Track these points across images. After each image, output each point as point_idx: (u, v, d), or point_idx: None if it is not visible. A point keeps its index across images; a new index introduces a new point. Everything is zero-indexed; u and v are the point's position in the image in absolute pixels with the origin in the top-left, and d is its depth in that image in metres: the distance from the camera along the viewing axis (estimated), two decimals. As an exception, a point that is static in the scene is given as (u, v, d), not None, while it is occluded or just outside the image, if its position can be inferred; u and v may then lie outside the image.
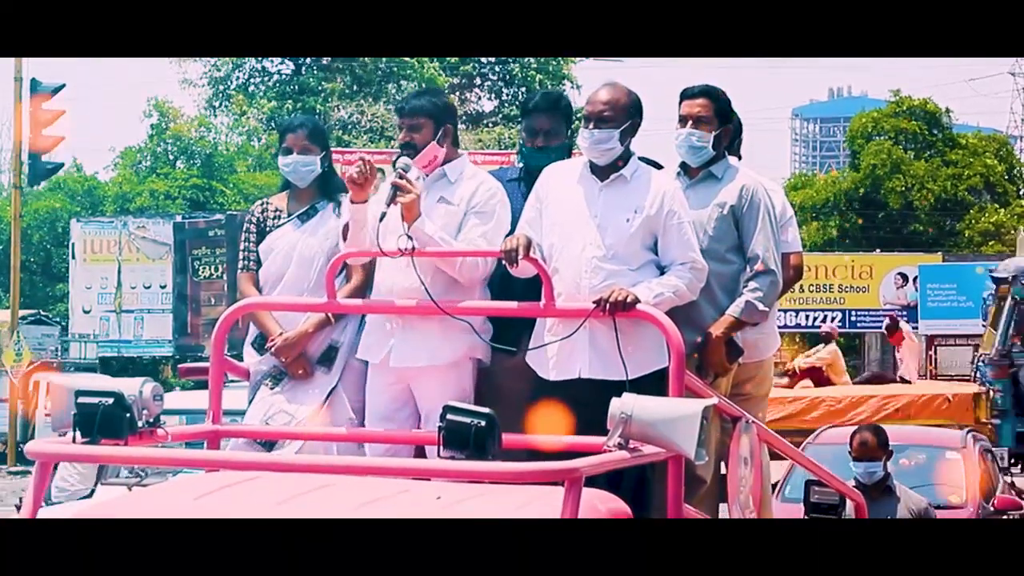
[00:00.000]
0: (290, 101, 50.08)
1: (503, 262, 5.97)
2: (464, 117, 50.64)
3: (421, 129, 6.43)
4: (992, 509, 12.67)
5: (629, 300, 5.71)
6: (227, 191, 49.17)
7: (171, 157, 51.10)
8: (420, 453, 6.11)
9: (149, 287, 37.39)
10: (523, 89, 51.35)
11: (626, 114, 6.18)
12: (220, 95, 52.55)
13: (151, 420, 5.06)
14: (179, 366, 10.57)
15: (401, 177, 6.14)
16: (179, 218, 39.46)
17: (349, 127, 47.22)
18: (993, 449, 14.83)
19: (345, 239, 6.38)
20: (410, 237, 6.01)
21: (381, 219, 6.07)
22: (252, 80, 52.44)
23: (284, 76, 52.01)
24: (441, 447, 4.55)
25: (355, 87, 50.17)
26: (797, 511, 7.88)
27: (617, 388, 5.22)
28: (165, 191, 48.59)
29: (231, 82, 52.51)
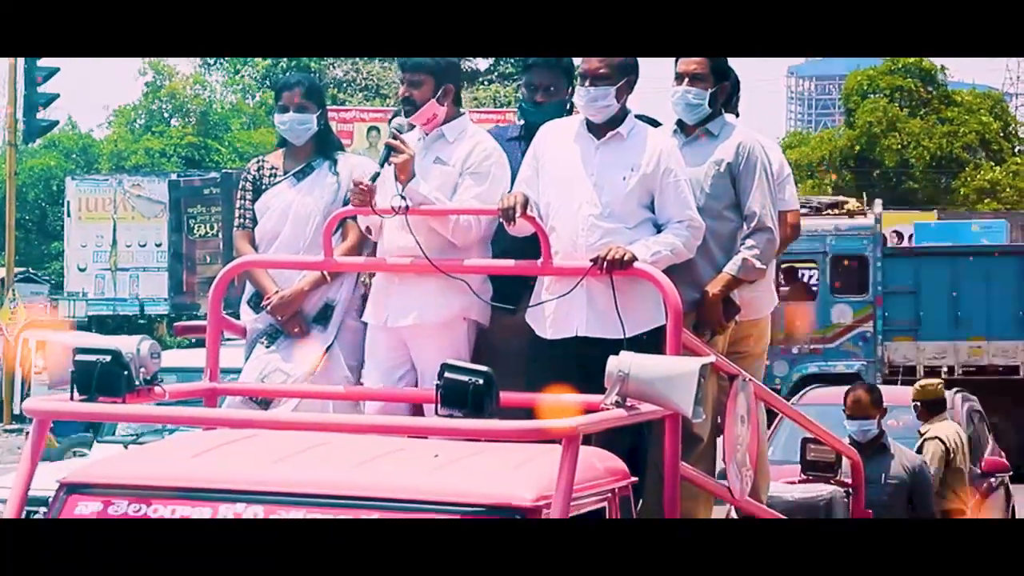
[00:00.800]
0: (285, 59, 49.95)
1: (501, 219, 5.96)
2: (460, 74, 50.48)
3: (421, 85, 6.42)
4: (979, 471, 12.62)
5: (626, 258, 5.71)
6: (222, 149, 49.12)
7: (166, 115, 51.02)
8: (418, 412, 6.12)
9: (144, 245, 37.42)
10: (518, 47, 51.20)
11: (622, 72, 6.16)
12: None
13: (148, 378, 5.07)
14: (175, 324, 10.54)
15: (395, 137, 6.13)
16: (174, 176, 39.50)
17: (344, 85, 47.09)
18: (982, 410, 14.75)
19: (370, 233, 6.41)
20: (403, 197, 6.00)
21: (374, 178, 6.06)
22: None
23: (279, 33, 51.84)
24: (439, 405, 4.55)
25: (350, 44, 50.02)
26: (781, 472, 7.91)
27: (614, 346, 5.23)
28: (160, 149, 48.54)
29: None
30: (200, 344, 9.54)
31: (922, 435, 10.80)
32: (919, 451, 10.29)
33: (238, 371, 6.72)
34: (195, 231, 36.81)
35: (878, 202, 25.18)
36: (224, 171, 38.94)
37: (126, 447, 10.00)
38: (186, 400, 5.88)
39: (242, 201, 6.93)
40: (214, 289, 6.02)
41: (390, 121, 6.58)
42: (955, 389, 14.45)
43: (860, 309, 23.64)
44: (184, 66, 52.87)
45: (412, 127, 6.42)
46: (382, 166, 6.08)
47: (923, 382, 11.81)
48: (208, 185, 37.20)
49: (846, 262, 23.66)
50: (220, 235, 35.30)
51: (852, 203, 25.31)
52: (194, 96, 51.11)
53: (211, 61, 52.61)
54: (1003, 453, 14.60)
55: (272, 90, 40.62)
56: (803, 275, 24.04)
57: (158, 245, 37.26)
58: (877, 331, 23.18)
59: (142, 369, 5.03)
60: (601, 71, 6.13)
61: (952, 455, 10.62)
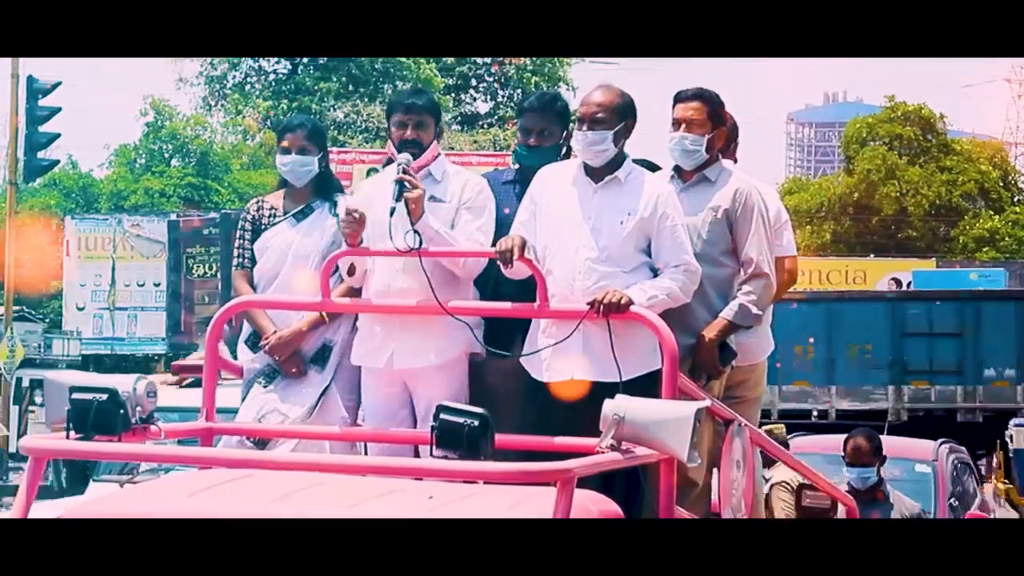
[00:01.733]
0: (286, 100, 50.08)
1: (497, 262, 5.97)
2: (460, 118, 50.68)
3: (427, 127, 6.46)
4: None
5: (623, 302, 5.71)
6: (222, 190, 49.18)
7: (166, 155, 51.10)
8: (416, 453, 6.12)
9: (143, 285, 37.43)
10: (518, 91, 51.40)
11: (620, 116, 6.18)
12: (216, 94, 52.56)
13: (145, 416, 5.08)
14: (173, 363, 10.55)
15: (405, 172, 6.14)
16: (174, 216, 39.50)
17: (344, 127, 47.21)
18: (970, 462, 14.60)
19: (351, 273, 6.38)
20: (417, 233, 6.01)
21: (391, 213, 6.05)
22: (248, 79, 52.45)
23: (280, 75, 52.03)
24: (434, 446, 4.55)
25: (351, 87, 50.17)
26: None
27: (610, 390, 5.23)
28: (160, 189, 48.61)
29: (227, 81, 52.52)
30: (198, 384, 9.56)
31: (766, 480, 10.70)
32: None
33: (233, 411, 6.71)
34: (194, 271, 36.83)
35: None
36: (224, 212, 38.98)
37: (121, 486, 9.96)
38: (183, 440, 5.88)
39: (241, 241, 6.94)
40: (211, 328, 6.03)
41: (387, 162, 6.61)
42: (941, 440, 14.34)
43: None
44: (185, 106, 53.03)
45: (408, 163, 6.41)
46: (396, 202, 6.07)
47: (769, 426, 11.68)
48: (208, 225, 37.23)
49: None
50: (219, 275, 35.33)
51: None
52: (195, 137, 51.22)
53: (212, 102, 52.71)
54: (994, 511, 14.45)
55: (273, 131, 40.67)
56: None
57: (156, 285, 37.28)
58: None
59: (138, 408, 5.04)
60: (599, 115, 6.15)
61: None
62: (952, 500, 12.33)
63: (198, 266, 36.82)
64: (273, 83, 52.05)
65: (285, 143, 6.88)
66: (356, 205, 6.28)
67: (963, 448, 14.80)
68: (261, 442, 6.46)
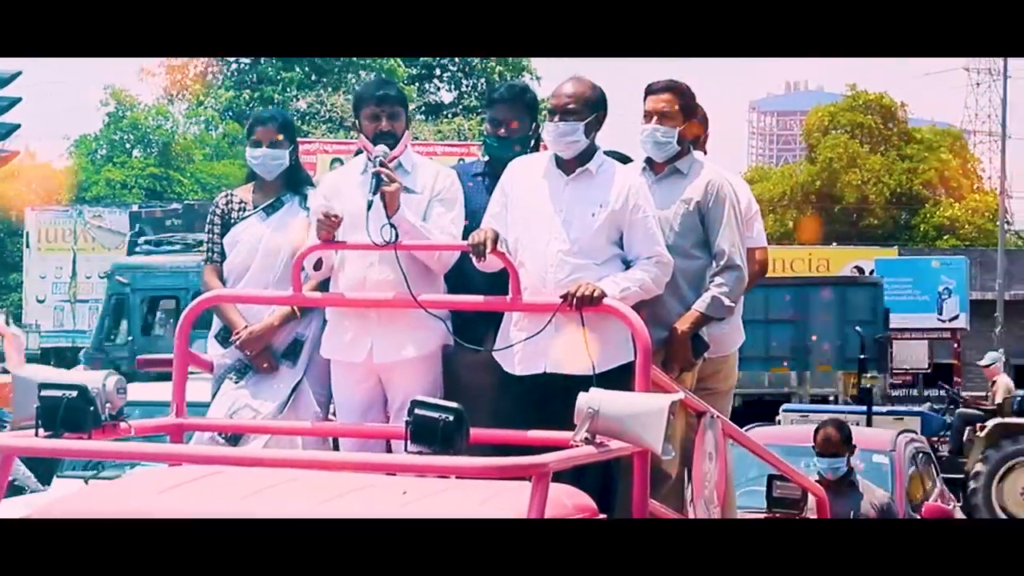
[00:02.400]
0: (248, 91, 49.91)
1: (470, 255, 5.94)
2: (424, 108, 50.60)
3: (399, 118, 6.44)
4: (919, 517, 12.41)
5: (595, 295, 5.70)
6: (184, 180, 48.97)
7: (128, 146, 50.84)
8: (388, 448, 6.09)
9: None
10: (482, 80, 51.38)
11: (591, 107, 6.17)
12: (178, 84, 52.35)
13: (114, 413, 5.04)
14: (137, 357, 10.48)
15: (383, 165, 6.11)
16: (135, 207, 39.30)
17: (308, 117, 47.09)
18: (930, 451, 14.55)
19: (317, 268, 6.34)
20: (393, 227, 5.98)
21: (369, 207, 6.01)
22: (210, 69, 52.24)
23: (243, 65, 51.85)
24: (408, 441, 4.53)
25: (313, 77, 50.04)
26: None
27: (583, 383, 5.22)
28: (121, 180, 48.36)
29: (189, 71, 52.30)
30: (164, 378, 9.50)
31: None
32: None
33: (202, 405, 6.67)
34: (156, 263, 36.63)
35: None
36: (186, 203, 38.84)
37: (86, 482, 9.91)
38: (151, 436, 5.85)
39: (210, 235, 6.89)
40: (181, 323, 5.97)
41: (356, 155, 6.58)
42: (900, 430, 14.29)
43: None
44: (146, 96, 52.80)
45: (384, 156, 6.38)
46: (374, 195, 6.04)
47: None
48: (169, 216, 37.02)
49: None
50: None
51: None
52: (156, 127, 50.97)
53: (174, 92, 52.51)
54: (953, 499, 14.44)
55: (236, 122, 40.48)
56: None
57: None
58: None
59: (108, 404, 5.00)
60: (570, 106, 6.14)
61: None
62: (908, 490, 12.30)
63: (161, 257, 36.62)
64: (235, 73, 51.87)
65: (256, 136, 6.82)
66: (328, 200, 6.24)
67: (922, 438, 14.80)
68: (233, 438, 6.43)
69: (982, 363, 24.17)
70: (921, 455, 13.46)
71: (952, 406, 22.57)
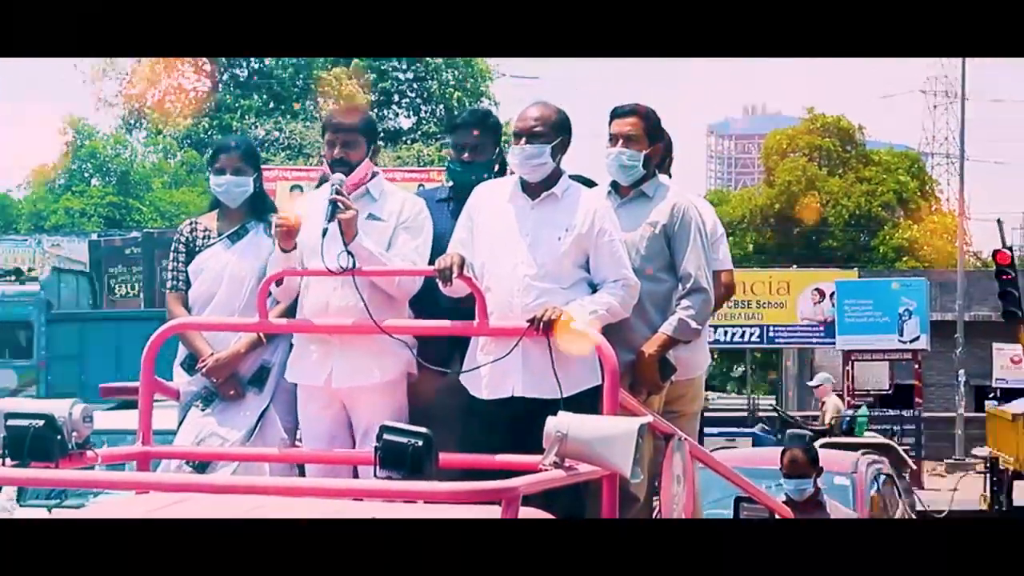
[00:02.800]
0: (206, 119, 49.81)
1: (436, 280, 5.93)
2: (382, 134, 50.59)
3: (356, 146, 6.41)
4: None
5: (562, 319, 5.70)
6: (143, 208, 48.85)
7: (86, 175, 50.69)
8: (354, 473, 6.07)
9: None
10: (440, 106, 51.42)
11: (557, 130, 6.18)
12: (135, 113, 52.21)
13: (81, 442, 5.01)
14: (100, 385, 10.41)
15: (338, 193, 6.10)
16: (95, 236, 39.14)
17: (267, 144, 47.03)
18: (893, 473, 14.51)
19: (278, 285, 6.31)
20: (350, 254, 5.97)
21: (324, 234, 6.01)
22: (168, 98, 52.13)
23: (200, 93, 51.74)
24: (377, 467, 4.52)
25: (272, 104, 50.00)
26: None
27: (551, 406, 5.21)
28: (80, 209, 48.22)
29: (146, 100, 52.18)
30: (127, 406, 9.44)
31: None
32: None
33: (167, 433, 6.63)
34: (116, 291, 36.47)
35: None
36: (145, 231, 38.68)
37: (49, 511, 9.85)
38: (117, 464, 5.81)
39: (175, 263, 6.86)
40: (146, 351, 5.93)
41: (320, 183, 6.57)
42: (862, 451, 14.25)
43: (23, 373, 24.26)
44: (105, 126, 52.65)
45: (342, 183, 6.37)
46: (328, 222, 6.03)
47: None
48: (129, 245, 36.87)
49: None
50: (141, 295, 35.01)
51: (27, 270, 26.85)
52: (115, 156, 50.83)
53: (132, 121, 52.35)
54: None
55: (194, 150, 40.38)
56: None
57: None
58: (39, 394, 23.52)
59: (74, 433, 4.98)
60: (537, 128, 6.14)
61: None
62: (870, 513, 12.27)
63: (120, 286, 36.46)
64: (193, 101, 51.77)
65: (219, 164, 6.80)
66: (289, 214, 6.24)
67: (884, 459, 14.80)
68: (201, 466, 6.39)
69: (811, 383, 24.51)
70: (883, 476, 13.47)
71: (784, 427, 22.83)
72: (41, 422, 4.83)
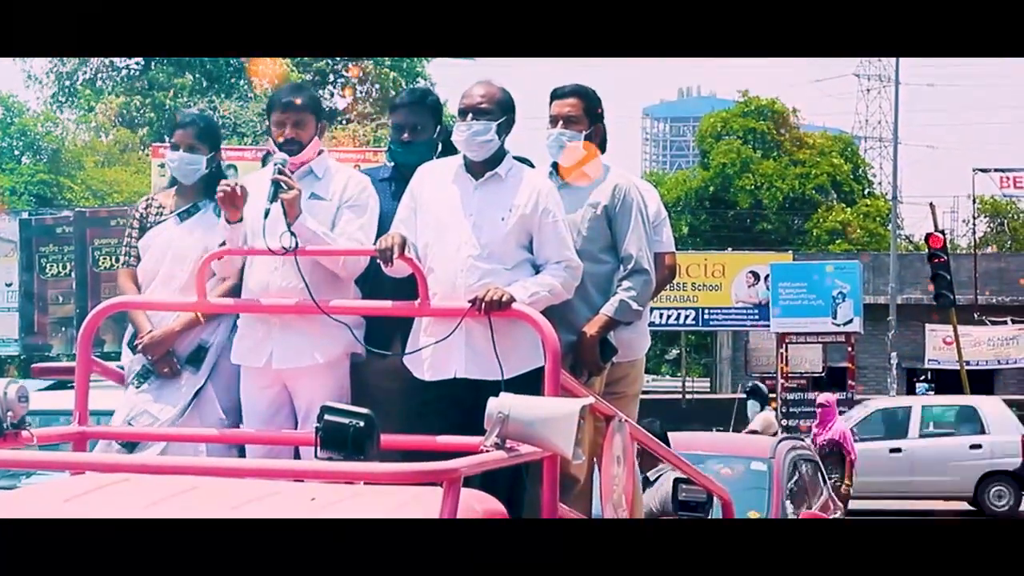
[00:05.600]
0: (139, 97, 49.44)
1: (378, 261, 5.91)
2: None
3: (305, 125, 6.38)
4: None
5: (504, 299, 5.68)
6: (75, 187, 48.39)
7: (16, 152, 50.17)
8: (296, 454, 6.04)
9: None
10: (376, 87, 51.26)
11: (502, 109, 6.17)
12: (66, 90, 51.76)
13: (16, 422, 4.96)
14: (33, 365, 10.31)
15: (281, 172, 6.06)
16: (25, 215, 38.75)
17: (201, 123, 46.61)
18: (817, 459, 14.40)
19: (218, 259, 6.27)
20: (293, 234, 5.93)
21: (266, 215, 5.97)
22: (99, 75, 51.70)
23: (133, 71, 51.35)
24: (318, 448, 4.50)
25: (206, 83, 49.68)
26: None
27: (493, 388, 5.21)
28: (11, 187, 47.69)
29: (77, 77, 51.73)
30: (60, 386, 9.36)
31: None
32: None
33: (98, 413, 6.58)
34: (47, 271, 36.12)
35: None
36: (77, 210, 38.33)
37: (-18, 491, 9.76)
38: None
39: (128, 239, 6.84)
40: (83, 330, 5.87)
41: (264, 160, 6.52)
42: (782, 437, 14.14)
43: None
44: (35, 103, 52.16)
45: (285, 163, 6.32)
46: (271, 203, 5.99)
47: None
48: (60, 224, 36.49)
49: None
50: (73, 275, 34.75)
51: None
52: (46, 133, 50.35)
53: (63, 98, 51.90)
54: (841, 509, 14.34)
55: (127, 128, 40.06)
56: None
57: (8, 285, 36.54)
58: None
59: (9, 413, 4.93)
60: (482, 106, 6.13)
61: None
62: (787, 499, 12.08)
63: (52, 265, 36.12)
64: (125, 79, 51.36)
65: (174, 140, 6.77)
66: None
67: (808, 445, 14.69)
68: (129, 445, 6.32)
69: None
70: (805, 463, 13.26)
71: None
72: (-25, 402, 4.76)
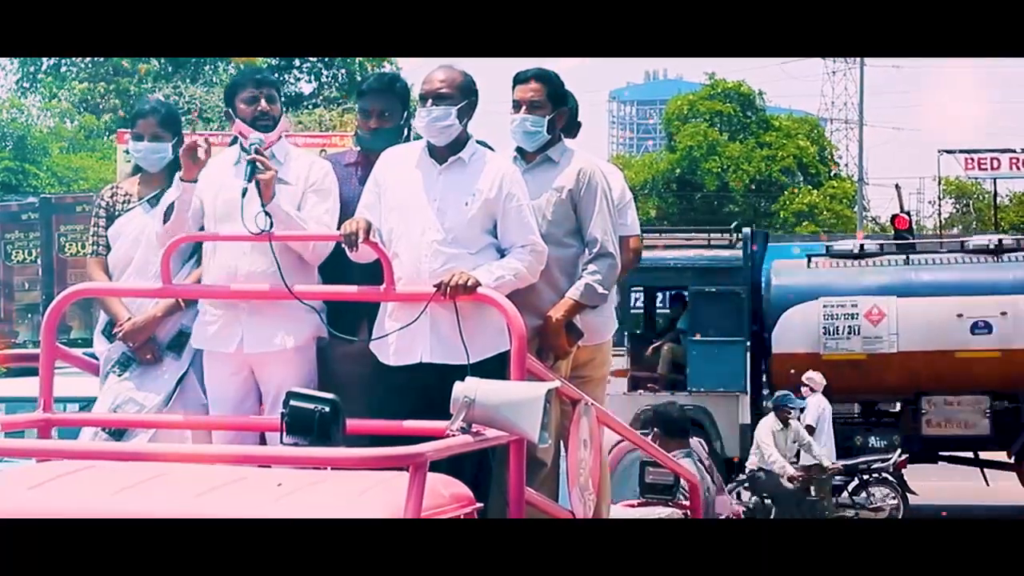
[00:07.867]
0: (103, 83, 49.21)
1: (343, 245, 5.90)
2: (284, 99, 50.24)
3: (276, 101, 6.42)
4: None
5: (470, 284, 5.69)
6: (41, 174, 48.09)
7: (-20, 139, 49.88)
8: (262, 440, 6.04)
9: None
10: (342, 71, 51.12)
11: (463, 93, 6.16)
12: (29, 76, 51.48)
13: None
14: (-2, 352, 10.25)
15: (257, 152, 6.05)
16: (-10, 201, 38.58)
17: (165, 108, 46.42)
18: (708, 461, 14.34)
19: (166, 220, 6.24)
20: (268, 214, 5.91)
21: (244, 194, 5.95)
22: (63, 62, 51.43)
23: (96, 58, 51.10)
24: (284, 433, 4.50)
25: (170, 68, 49.46)
26: None
27: (459, 372, 5.21)
28: (-25, 174, 47.45)
29: (41, 63, 51.46)
30: (26, 373, 9.32)
31: None
32: None
33: (66, 400, 6.56)
34: (12, 257, 35.98)
35: None
36: (43, 196, 38.14)
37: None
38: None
39: (95, 228, 6.81)
40: (48, 317, 5.87)
41: (232, 142, 6.51)
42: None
43: None
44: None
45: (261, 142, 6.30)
46: (248, 182, 5.97)
47: None
48: (26, 210, 36.33)
49: None
50: (39, 261, 34.61)
51: None
52: (11, 120, 50.06)
53: (27, 84, 51.62)
54: (736, 503, 14.33)
55: (92, 114, 39.89)
56: None
57: (-27, 272, 36.39)
58: None
59: (-26, 401, 4.92)
60: (443, 91, 6.12)
61: None
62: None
63: (17, 252, 35.97)
64: (90, 65, 51.11)
65: (138, 129, 6.75)
66: (201, 190, 6.18)
67: (701, 441, 14.69)
68: (116, 432, 6.32)
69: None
70: (699, 458, 13.13)
71: None
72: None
